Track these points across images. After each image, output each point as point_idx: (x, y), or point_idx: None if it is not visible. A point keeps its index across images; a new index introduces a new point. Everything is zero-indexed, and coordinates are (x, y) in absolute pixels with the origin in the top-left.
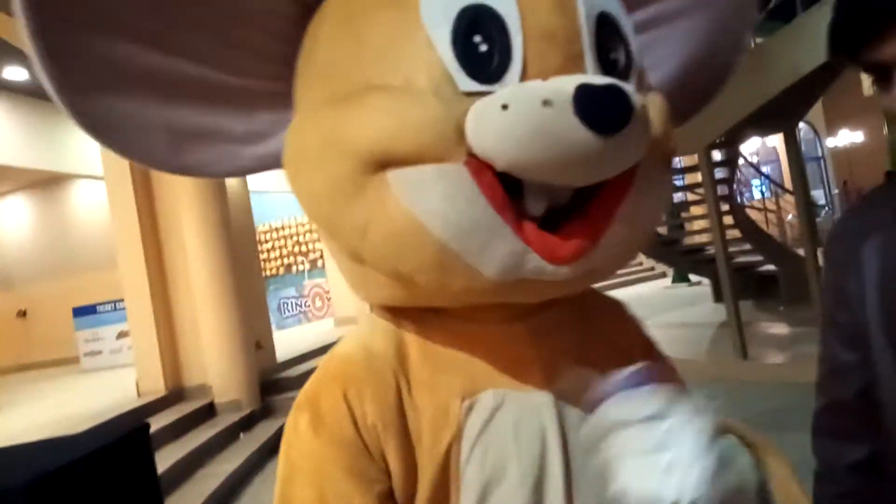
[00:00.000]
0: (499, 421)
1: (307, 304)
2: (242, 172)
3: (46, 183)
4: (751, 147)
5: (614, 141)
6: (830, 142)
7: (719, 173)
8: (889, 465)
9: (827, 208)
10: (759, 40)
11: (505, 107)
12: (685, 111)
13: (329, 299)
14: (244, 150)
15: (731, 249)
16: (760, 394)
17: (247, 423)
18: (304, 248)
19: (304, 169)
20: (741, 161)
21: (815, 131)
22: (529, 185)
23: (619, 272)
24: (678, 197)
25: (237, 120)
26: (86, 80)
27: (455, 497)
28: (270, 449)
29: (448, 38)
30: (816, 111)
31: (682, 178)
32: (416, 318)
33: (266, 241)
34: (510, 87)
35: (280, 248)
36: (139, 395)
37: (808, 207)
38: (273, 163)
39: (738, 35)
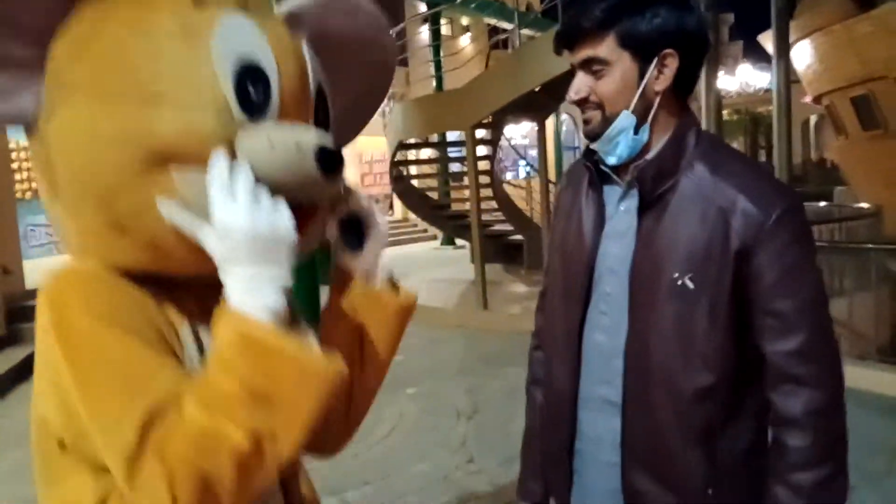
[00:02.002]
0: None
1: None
2: None
3: None
4: (522, 131)
5: (331, 179)
6: None
7: (484, 150)
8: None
9: None
10: (532, 34)
11: (273, 147)
12: (354, 131)
13: None
14: None
15: (488, 218)
16: (495, 338)
17: None
18: None
19: (93, 149)
20: (507, 142)
21: (576, 123)
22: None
23: (395, 233)
24: (455, 167)
25: None
26: None
27: None
28: (16, 376)
29: (230, 79)
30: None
31: (460, 151)
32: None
33: (14, 161)
34: (273, 129)
35: (29, 169)
36: None
37: (547, 187)
38: (16, 120)
39: (379, 89)
